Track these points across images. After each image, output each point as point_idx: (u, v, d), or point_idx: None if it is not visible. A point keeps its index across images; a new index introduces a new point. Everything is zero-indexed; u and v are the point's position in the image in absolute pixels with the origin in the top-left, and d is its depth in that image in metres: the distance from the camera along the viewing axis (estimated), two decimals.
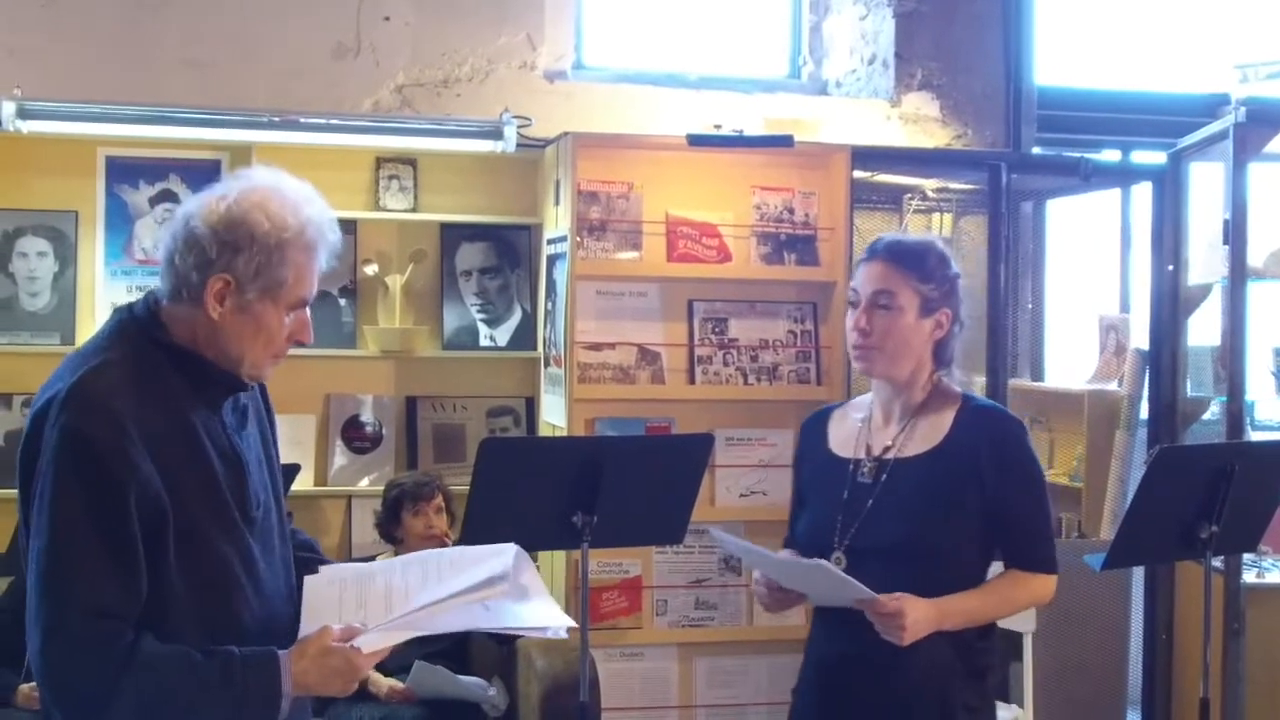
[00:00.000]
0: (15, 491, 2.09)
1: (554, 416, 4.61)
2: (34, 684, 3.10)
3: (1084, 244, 5.73)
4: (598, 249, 4.59)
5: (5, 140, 4.49)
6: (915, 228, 5.20)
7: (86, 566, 1.95)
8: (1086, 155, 5.10)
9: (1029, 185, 5.36)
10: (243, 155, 4.55)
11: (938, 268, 2.69)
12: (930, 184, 5.24)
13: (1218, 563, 4.10)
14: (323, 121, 4.65)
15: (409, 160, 4.85)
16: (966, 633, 2.62)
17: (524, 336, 4.93)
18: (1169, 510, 3.32)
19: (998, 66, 5.45)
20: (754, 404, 4.71)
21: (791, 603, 2.71)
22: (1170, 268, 4.89)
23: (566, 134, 4.54)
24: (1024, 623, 4.04)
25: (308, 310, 2.18)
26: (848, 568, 2.57)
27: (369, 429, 4.85)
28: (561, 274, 4.52)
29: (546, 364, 4.76)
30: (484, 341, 4.92)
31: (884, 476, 2.66)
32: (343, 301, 4.80)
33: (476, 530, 3.09)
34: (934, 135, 5.38)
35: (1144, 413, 4.98)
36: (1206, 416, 4.84)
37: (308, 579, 2.21)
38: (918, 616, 2.50)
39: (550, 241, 4.73)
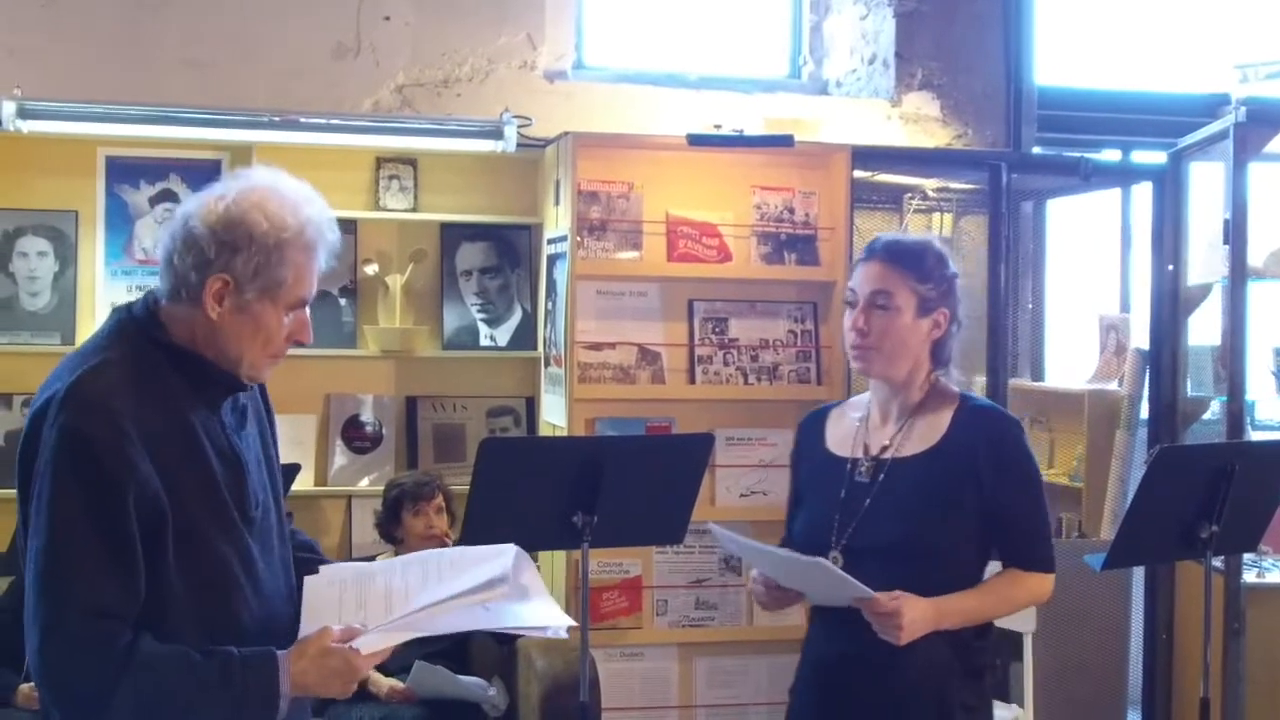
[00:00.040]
0: (15, 491, 2.09)
1: (554, 416, 4.61)
2: (34, 684, 3.10)
3: (1084, 244, 5.73)
4: (598, 249, 4.59)
5: (5, 140, 4.49)
6: (915, 227, 5.20)
7: (85, 566, 1.95)
8: (1087, 155, 5.10)
9: (1029, 185, 5.36)
10: (243, 155, 4.55)
11: (935, 268, 2.69)
12: (930, 184, 5.24)
13: (1218, 562, 4.09)
14: (323, 121, 4.66)
15: (409, 160, 4.85)
16: (964, 632, 2.62)
17: (524, 336, 4.93)
18: (1169, 510, 3.32)
19: (998, 66, 5.45)
20: (754, 404, 4.71)
21: (789, 601, 2.71)
22: (1170, 267, 4.89)
23: (567, 134, 4.54)
24: (1024, 623, 4.04)
25: (307, 310, 2.18)
26: (844, 567, 2.56)
27: (369, 429, 4.85)
28: (562, 274, 4.52)
29: (547, 364, 4.76)
30: (484, 341, 4.92)
31: (881, 476, 2.66)
32: (343, 301, 4.80)
33: (476, 530, 3.09)
34: (934, 135, 5.38)
35: (1144, 412, 4.98)
36: (1207, 416, 4.84)
37: (308, 579, 2.21)
38: (915, 616, 2.50)
39: (550, 241, 4.73)
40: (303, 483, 4.55)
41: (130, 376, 2.04)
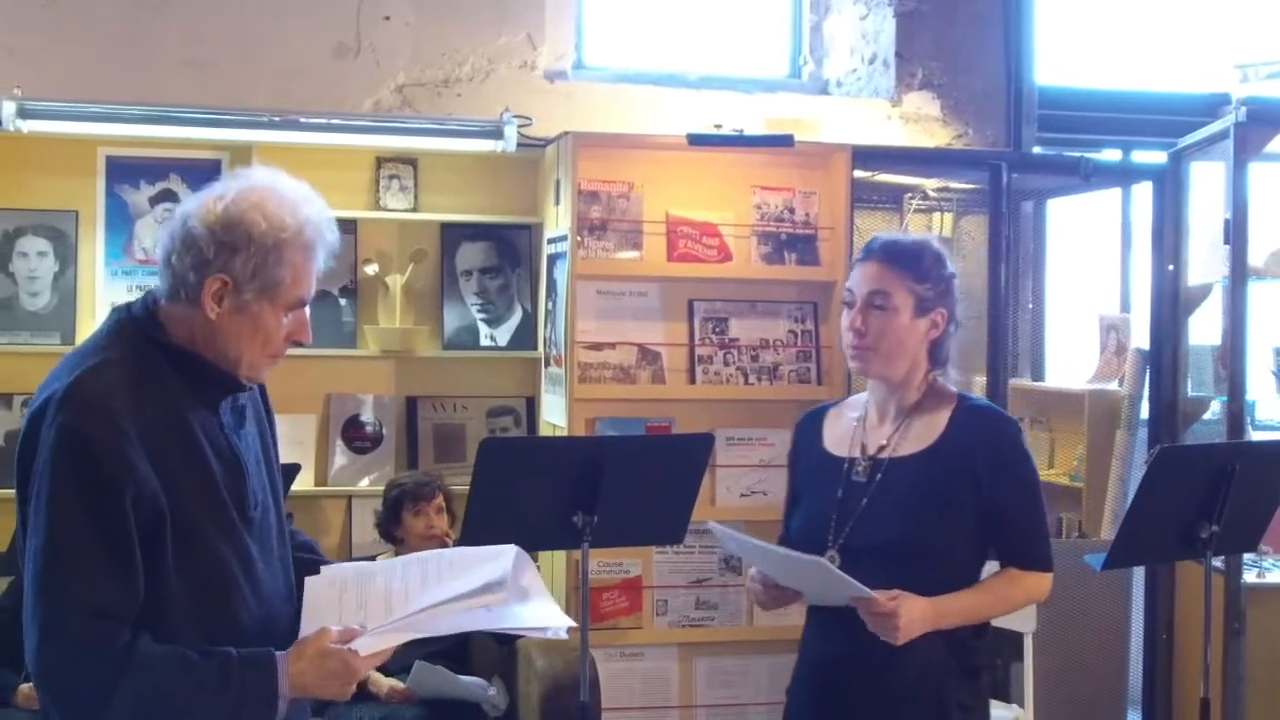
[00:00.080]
0: (14, 491, 2.08)
1: (554, 416, 4.61)
2: (33, 683, 3.10)
3: (1084, 244, 5.73)
4: (598, 249, 4.59)
5: (5, 140, 4.49)
6: (916, 227, 5.20)
7: (83, 566, 1.95)
8: (1087, 155, 5.10)
9: (1029, 185, 5.36)
10: (243, 155, 4.55)
11: (933, 268, 2.69)
12: (931, 183, 5.24)
13: (1218, 562, 4.09)
14: (323, 121, 4.66)
15: (409, 160, 4.85)
16: (960, 632, 2.62)
17: (524, 336, 4.93)
18: (1169, 510, 3.32)
19: (998, 66, 5.45)
20: (754, 404, 4.71)
21: (787, 600, 2.71)
22: (1171, 267, 4.88)
23: (567, 134, 4.54)
24: (1025, 622, 4.04)
25: (306, 310, 2.18)
26: (841, 566, 2.56)
27: (369, 429, 4.85)
28: (562, 274, 4.52)
29: (547, 364, 4.76)
30: (484, 341, 4.92)
31: (879, 475, 2.66)
32: (343, 301, 4.80)
33: (477, 530, 3.09)
34: (935, 135, 5.38)
35: (1144, 412, 4.98)
36: (1207, 416, 4.84)
37: (309, 580, 2.21)
38: (913, 615, 2.50)
39: (551, 241, 4.73)
40: (303, 483, 4.55)
41: (129, 376, 2.04)
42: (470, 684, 4.14)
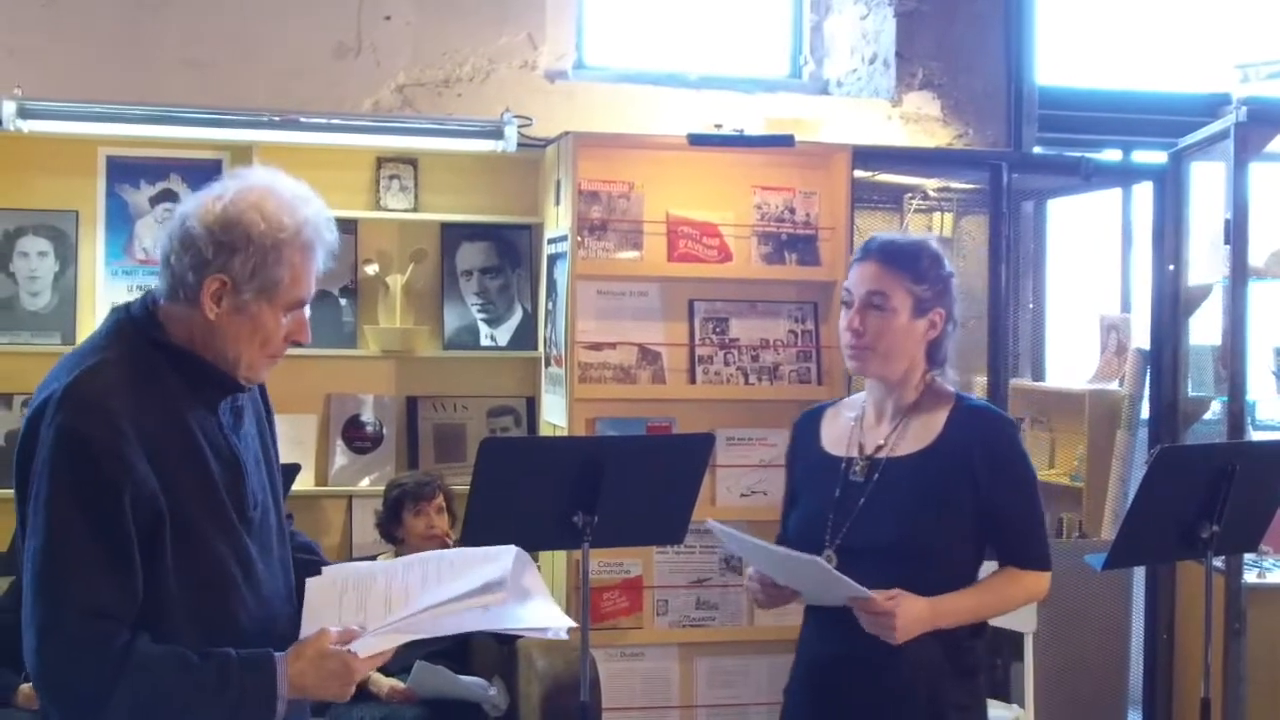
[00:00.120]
0: (13, 491, 2.08)
1: (554, 416, 4.61)
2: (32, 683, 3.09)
3: (1085, 244, 5.73)
4: (598, 249, 4.58)
5: (6, 140, 4.49)
6: (916, 227, 5.20)
7: (82, 566, 1.95)
8: (1087, 155, 5.10)
9: (1030, 185, 5.35)
10: (243, 155, 4.56)
11: (931, 268, 2.69)
12: (931, 183, 5.24)
13: (1219, 563, 4.09)
14: (323, 121, 4.66)
15: (409, 160, 4.85)
16: (957, 632, 2.61)
17: (524, 336, 4.93)
18: (1170, 510, 3.32)
19: (999, 66, 5.45)
20: (755, 404, 4.71)
21: (785, 599, 2.71)
22: (1171, 267, 4.88)
23: (567, 134, 4.54)
24: (1025, 622, 4.04)
25: (306, 310, 2.18)
26: (838, 566, 2.56)
27: (369, 429, 4.85)
28: (562, 274, 4.52)
29: (547, 364, 4.76)
30: (484, 341, 4.92)
31: (876, 475, 2.66)
32: (343, 301, 4.80)
33: (477, 530, 3.09)
34: (935, 135, 5.38)
35: (1145, 412, 4.98)
36: (1207, 416, 4.84)
37: (309, 580, 2.21)
38: (912, 615, 2.50)
39: (551, 241, 4.73)
40: (303, 483, 4.55)
41: (128, 376, 2.04)
42: (471, 684, 4.14)
